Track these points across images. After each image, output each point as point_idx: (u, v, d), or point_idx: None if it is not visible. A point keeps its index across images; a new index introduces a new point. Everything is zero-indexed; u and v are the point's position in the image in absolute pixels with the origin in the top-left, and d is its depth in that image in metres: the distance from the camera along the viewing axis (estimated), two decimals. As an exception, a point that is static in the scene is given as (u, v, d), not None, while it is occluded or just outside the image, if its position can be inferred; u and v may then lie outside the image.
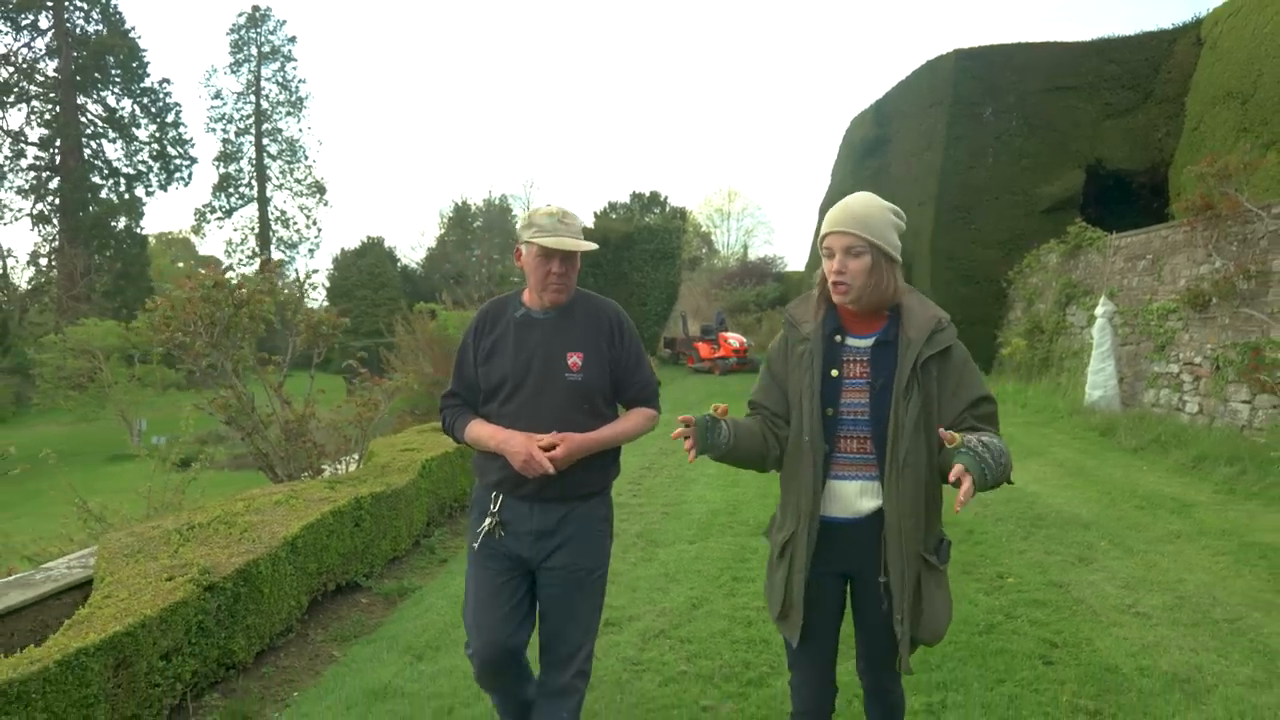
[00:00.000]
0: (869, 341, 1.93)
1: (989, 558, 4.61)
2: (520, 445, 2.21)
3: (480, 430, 2.35)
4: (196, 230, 52.02)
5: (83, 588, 4.69)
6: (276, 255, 50.55)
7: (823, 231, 1.93)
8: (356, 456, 6.72)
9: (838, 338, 1.96)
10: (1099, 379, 9.42)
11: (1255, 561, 4.38)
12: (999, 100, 14.58)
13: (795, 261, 42.86)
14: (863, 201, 1.93)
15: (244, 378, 5.96)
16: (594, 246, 2.40)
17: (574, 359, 2.33)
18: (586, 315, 2.41)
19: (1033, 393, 11.42)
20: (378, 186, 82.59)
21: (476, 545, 2.35)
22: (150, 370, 28.01)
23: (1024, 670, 3.15)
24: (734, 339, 20.75)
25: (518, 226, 2.39)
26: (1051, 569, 4.37)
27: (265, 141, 50.99)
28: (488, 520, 2.33)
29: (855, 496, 1.92)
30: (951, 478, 1.71)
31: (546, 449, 2.21)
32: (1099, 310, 9.59)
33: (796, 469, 1.97)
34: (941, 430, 1.76)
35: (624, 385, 2.45)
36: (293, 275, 49.62)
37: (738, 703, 3.05)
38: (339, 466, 6.64)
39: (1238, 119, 11.78)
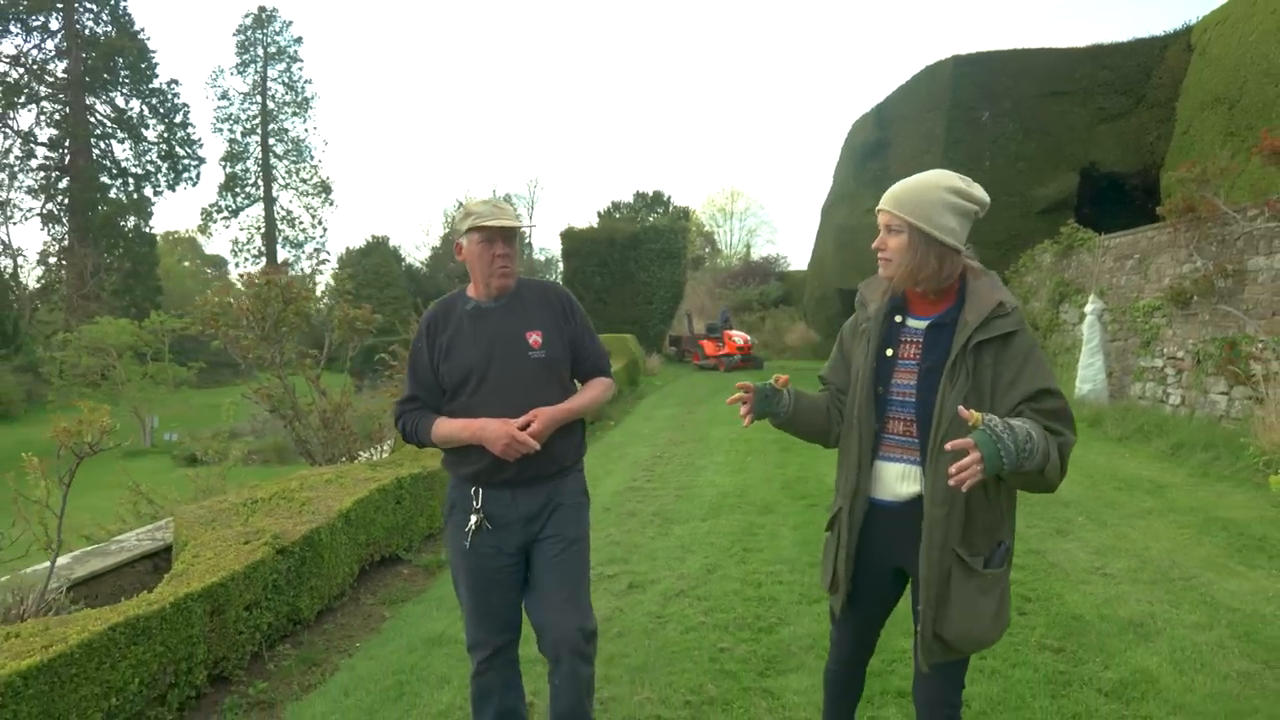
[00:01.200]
0: (926, 323, 1.90)
1: (976, 531, 5.07)
2: (498, 430, 2.22)
3: (449, 426, 2.33)
4: (203, 230, 52.39)
5: (151, 557, 5.17)
6: (282, 254, 51.00)
7: None
8: (389, 444, 7.18)
9: (897, 318, 1.95)
10: (1088, 373, 9.87)
11: (1216, 533, 4.85)
12: (996, 105, 15.03)
13: (798, 261, 43.26)
14: (916, 182, 1.89)
15: (284, 370, 6.42)
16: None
17: (534, 337, 2.37)
18: (535, 297, 2.45)
19: (1027, 387, 11.85)
20: (382, 186, 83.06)
21: (467, 545, 2.34)
22: (162, 368, 28.48)
23: (1000, 618, 3.60)
24: (738, 337, 21.19)
25: (456, 223, 2.43)
26: (1031, 539, 4.84)
27: (271, 141, 51.36)
28: (474, 518, 2.32)
29: (896, 479, 1.90)
30: (950, 446, 1.66)
31: (523, 428, 2.23)
32: (1088, 308, 10.03)
33: (848, 446, 1.99)
34: (961, 408, 1.69)
35: (580, 359, 2.49)
36: (297, 274, 50.13)
37: (750, 645, 3.51)
38: (372, 453, 7.11)
39: (1225, 123, 12.21)
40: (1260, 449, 6.20)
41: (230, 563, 3.68)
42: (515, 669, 2.49)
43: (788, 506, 6.01)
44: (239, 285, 6.07)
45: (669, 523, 5.73)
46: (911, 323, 1.93)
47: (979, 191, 1.85)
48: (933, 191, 1.83)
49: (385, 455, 6.84)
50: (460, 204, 51.71)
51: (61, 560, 4.66)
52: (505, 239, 2.35)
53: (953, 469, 1.63)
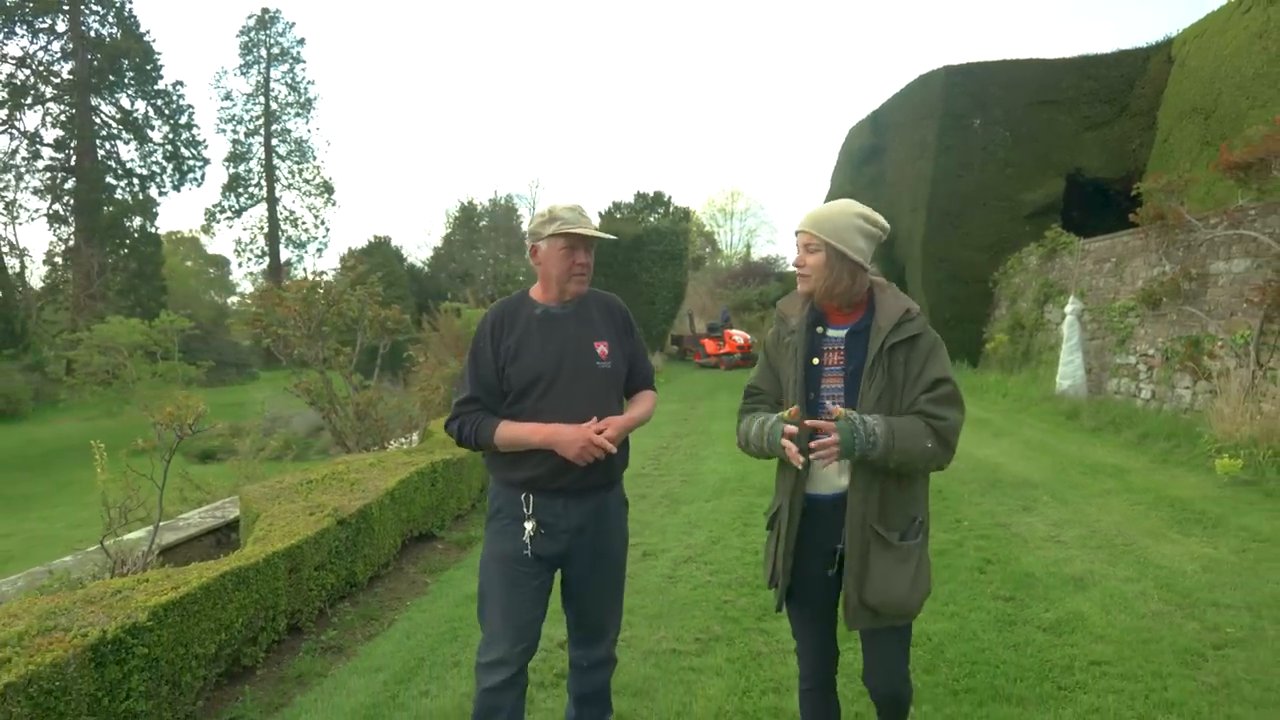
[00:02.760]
0: (844, 331, 2.12)
1: (952, 508, 5.69)
2: (575, 434, 2.25)
3: (517, 430, 2.32)
4: (206, 230, 52.68)
5: (214, 533, 5.78)
6: (285, 254, 51.46)
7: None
8: (416, 435, 7.78)
9: (819, 329, 2.14)
10: (1068, 370, 10.48)
11: (1163, 509, 5.46)
12: (986, 113, 15.61)
13: (796, 261, 43.73)
14: (830, 208, 2.11)
15: (325, 366, 7.01)
16: (614, 237, 2.68)
17: (601, 348, 2.42)
18: (600, 308, 2.51)
19: (1013, 383, 12.47)
20: (384, 186, 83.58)
21: (528, 553, 2.34)
22: (171, 367, 29.04)
23: (963, 576, 4.23)
24: (739, 336, 21.81)
25: (535, 224, 2.41)
26: (999, 515, 5.45)
27: (274, 142, 51.63)
28: (529, 525, 2.33)
29: (836, 473, 2.08)
30: (809, 423, 1.97)
31: (598, 434, 2.28)
32: (1068, 308, 10.63)
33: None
34: (831, 405, 1.98)
35: (633, 373, 2.55)
36: (300, 274, 50.80)
37: (749, 598, 4.11)
38: (401, 442, 7.70)
39: (1201, 133, 12.81)
40: (1214, 437, 6.80)
41: (302, 529, 4.28)
42: (523, 691, 2.40)
43: (783, 489, 6.60)
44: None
45: (677, 503, 6.33)
46: (831, 333, 2.13)
47: (881, 219, 2.14)
48: (845, 216, 2.08)
49: (414, 444, 7.45)
50: (463, 202, 52.30)
51: (139, 533, 5.27)
52: (587, 247, 2.40)
53: (812, 445, 1.93)
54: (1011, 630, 3.52)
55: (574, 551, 2.39)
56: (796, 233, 2.13)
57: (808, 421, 1.99)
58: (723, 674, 3.27)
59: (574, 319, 2.43)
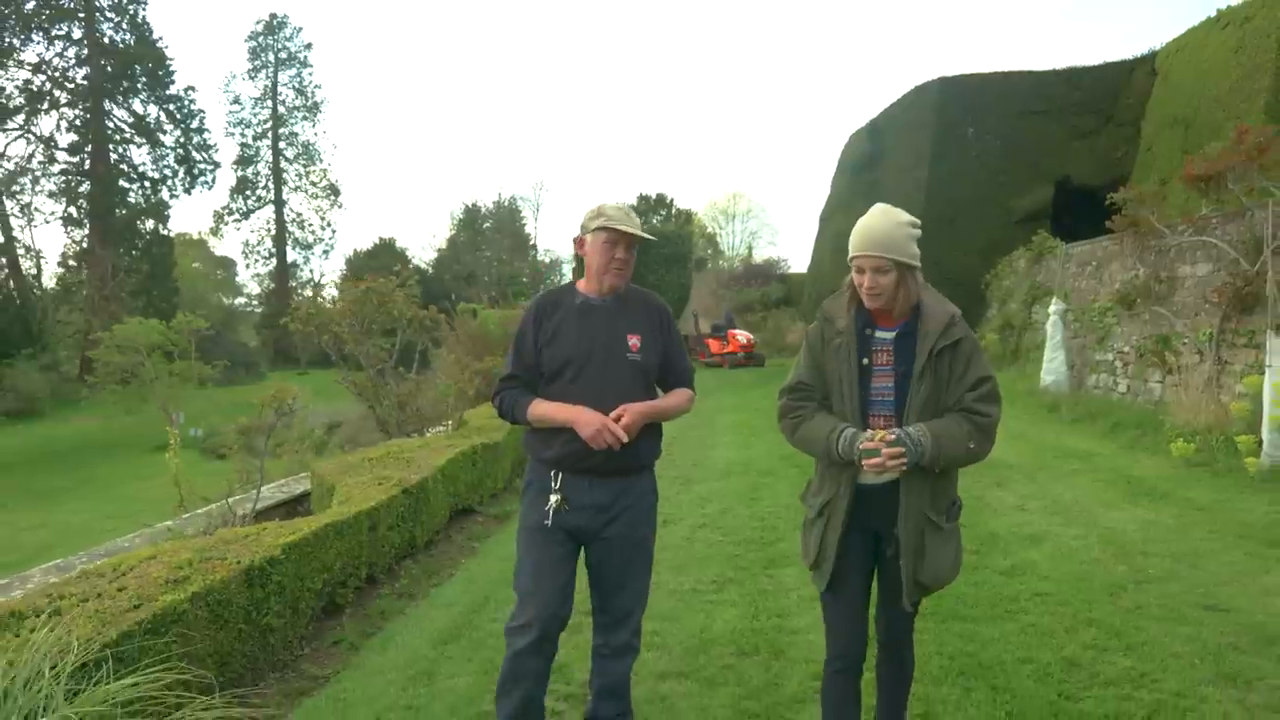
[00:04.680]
0: (893, 334, 2.24)
1: (934, 486, 6.44)
2: (592, 418, 2.41)
3: (545, 408, 2.51)
4: (215, 232, 53.41)
5: (281, 506, 6.53)
6: (291, 256, 52.22)
7: (851, 253, 2.23)
8: (450, 424, 8.52)
9: (868, 331, 2.26)
10: (1051, 366, 11.22)
11: (1120, 485, 6.21)
12: (979, 122, 16.36)
13: (798, 264, 44.57)
14: (883, 224, 2.19)
15: (372, 362, 7.75)
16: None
17: (633, 340, 2.56)
18: (640, 303, 2.66)
19: (1002, 379, 12.73)
20: (390, 188, 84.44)
21: (548, 522, 2.49)
22: (188, 366, 29.75)
23: (939, 535, 4.97)
24: (741, 335, 22.55)
25: (585, 219, 2.58)
26: (975, 489, 6.18)
27: (282, 145, 52.35)
28: (554, 497, 2.49)
29: None
30: (881, 443, 2.11)
31: (615, 420, 2.41)
32: (1052, 308, 11.38)
33: None
34: (885, 433, 2.11)
35: (668, 369, 2.68)
36: (306, 276, 51.65)
37: (757, 553, 4.86)
38: (438, 430, 8.45)
39: (1182, 142, 13.53)
40: (1175, 425, 7.54)
41: (375, 495, 5.02)
42: (550, 660, 2.58)
43: (786, 470, 7.36)
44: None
45: (689, 483, 7.08)
46: (880, 334, 2.26)
47: (913, 217, 2.27)
48: (900, 229, 2.19)
49: (451, 431, 8.19)
50: (467, 204, 53.04)
51: (215, 505, 6.02)
52: (628, 245, 2.54)
53: (888, 451, 2.09)
54: (973, 574, 4.26)
55: (596, 529, 2.53)
56: (858, 257, 2.20)
57: (866, 446, 2.12)
58: (735, 605, 4.01)
59: (611, 310, 2.59)
